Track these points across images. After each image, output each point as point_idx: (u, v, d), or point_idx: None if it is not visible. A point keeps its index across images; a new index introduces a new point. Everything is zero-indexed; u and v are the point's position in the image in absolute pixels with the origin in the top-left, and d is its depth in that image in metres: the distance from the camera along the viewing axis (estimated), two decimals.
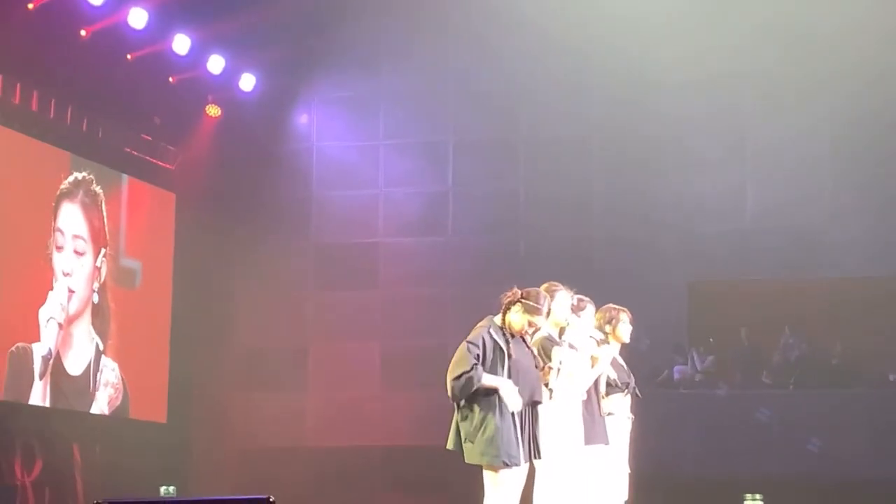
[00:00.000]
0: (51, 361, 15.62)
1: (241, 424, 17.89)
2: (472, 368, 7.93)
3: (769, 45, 17.05)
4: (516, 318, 8.20)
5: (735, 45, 17.08)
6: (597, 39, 17.20)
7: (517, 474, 8.08)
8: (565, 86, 17.56)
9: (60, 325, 15.79)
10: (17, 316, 15.22)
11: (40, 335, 15.49)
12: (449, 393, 8.04)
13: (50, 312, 15.65)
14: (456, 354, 8.08)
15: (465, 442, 8.02)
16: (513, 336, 8.22)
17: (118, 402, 16.92)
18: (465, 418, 8.05)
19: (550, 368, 8.44)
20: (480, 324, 8.23)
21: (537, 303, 8.23)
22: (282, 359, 18.10)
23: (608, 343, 9.24)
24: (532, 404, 8.18)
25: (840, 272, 16.78)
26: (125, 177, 17.28)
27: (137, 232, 17.47)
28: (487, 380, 7.99)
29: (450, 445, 8.18)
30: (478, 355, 7.98)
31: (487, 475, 8.07)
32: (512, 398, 8.04)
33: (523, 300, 8.20)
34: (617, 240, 17.32)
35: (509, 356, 8.07)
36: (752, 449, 16.10)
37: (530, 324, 8.24)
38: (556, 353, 8.46)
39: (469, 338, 8.11)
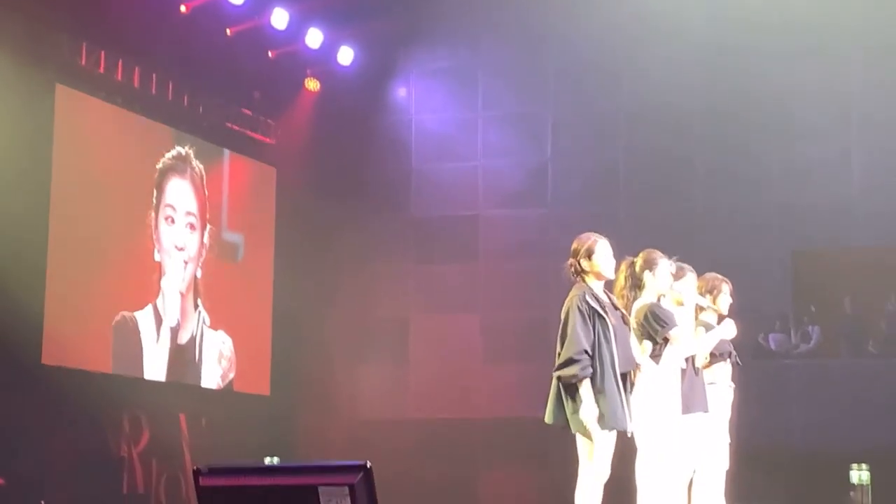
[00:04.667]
0: (156, 333, 15.85)
1: (344, 397, 18.02)
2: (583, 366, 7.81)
3: (876, 10, 16.66)
4: (599, 265, 8.04)
5: (839, 10, 16.71)
6: (698, 8, 16.95)
7: (612, 440, 7.99)
8: (666, 55, 17.29)
9: (166, 299, 16.02)
10: (120, 286, 15.41)
11: (146, 306, 15.72)
12: (566, 380, 7.86)
13: (160, 285, 15.88)
14: (567, 339, 7.85)
15: (571, 413, 7.86)
16: (602, 300, 8.09)
17: (231, 376, 17.12)
18: (569, 388, 7.88)
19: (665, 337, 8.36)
20: (572, 294, 8.05)
21: (585, 241, 8.10)
22: (383, 331, 18.17)
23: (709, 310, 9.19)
24: (623, 374, 8.05)
25: None
26: (226, 151, 17.45)
27: (239, 206, 17.64)
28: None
29: (548, 419, 8.03)
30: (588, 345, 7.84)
31: (584, 442, 7.96)
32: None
33: (581, 259, 8.07)
34: (719, 208, 17.11)
35: (610, 321, 7.95)
36: (857, 419, 15.85)
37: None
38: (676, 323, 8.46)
39: (571, 317, 7.86)
